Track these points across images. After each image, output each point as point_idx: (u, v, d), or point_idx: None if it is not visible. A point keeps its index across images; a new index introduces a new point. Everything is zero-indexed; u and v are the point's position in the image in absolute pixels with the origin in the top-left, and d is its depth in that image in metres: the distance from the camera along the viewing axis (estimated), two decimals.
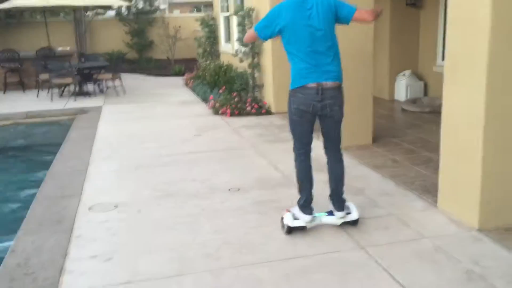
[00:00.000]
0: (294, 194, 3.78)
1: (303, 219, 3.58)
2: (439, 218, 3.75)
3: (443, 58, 3.69)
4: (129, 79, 13.06)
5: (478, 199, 3.49)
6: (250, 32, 3.65)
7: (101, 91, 11.29)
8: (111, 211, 4.15)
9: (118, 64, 11.65)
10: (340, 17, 3.50)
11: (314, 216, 3.62)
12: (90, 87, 11.22)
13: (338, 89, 3.46)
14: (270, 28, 3.49)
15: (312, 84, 3.38)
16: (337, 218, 3.62)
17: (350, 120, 5.68)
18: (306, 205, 3.60)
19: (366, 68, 5.70)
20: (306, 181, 3.63)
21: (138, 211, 4.13)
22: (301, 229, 3.59)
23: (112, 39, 16.49)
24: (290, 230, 3.57)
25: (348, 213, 3.63)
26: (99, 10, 16.72)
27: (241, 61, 8.90)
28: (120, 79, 11.15)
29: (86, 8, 14.93)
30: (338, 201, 3.64)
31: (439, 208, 3.91)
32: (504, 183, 3.52)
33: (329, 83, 3.40)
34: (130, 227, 3.84)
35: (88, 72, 11.04)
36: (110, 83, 11.40)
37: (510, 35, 3.28)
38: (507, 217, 3.56)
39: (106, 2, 13.00)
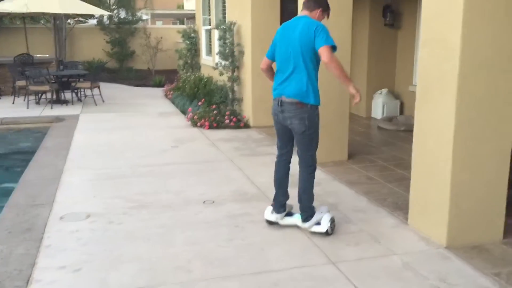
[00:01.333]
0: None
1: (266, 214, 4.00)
2: (409, 235, 3.82)
3: None
4: (109, 89, 12.98)
5: (446, 217, 3.57)
6: (263, 60, 4.03)
7: (79, 100, 11.19)
8: (82, 221, 4.10)
9: (97, 73, 11.55)
10: (315, 43, 3.62)
11: (278, 215, 3.93)
12: (68, 95, 11.12)
13: (297, 105, 3.65)
14: (271, 49, 3.91)
15: (276, 97, 3.78)
16: (302, 227, 3.85)
17: (326, 136, 5.77)
18: (273, 202, 3.96)
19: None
20: (275, 182, 3.98)
21: (110, 222, 4.09)
22: (272, 223, 3.98)
23: (93, 48, 16.40)
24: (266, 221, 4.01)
25: (318, 224, 3.79)
26: (81, 18, 16.62)
27: (221, 74, 8.94)
28: (99, 88, 11.08)
29: (67, 16, 14.82)
30: (301, 209, 3.85)
31: (410, 225, 3.98)
32: (472, 202, 3.60)
33: (287, 99, 3.67)
34: (101, 237, 3.80)
35: (67, 80, 10.94)
36: (88, 92, 11.31)
37: (480, 57, 3.39)
38: (473, 235, 3.64)
39: (88, 11, 12.92)
